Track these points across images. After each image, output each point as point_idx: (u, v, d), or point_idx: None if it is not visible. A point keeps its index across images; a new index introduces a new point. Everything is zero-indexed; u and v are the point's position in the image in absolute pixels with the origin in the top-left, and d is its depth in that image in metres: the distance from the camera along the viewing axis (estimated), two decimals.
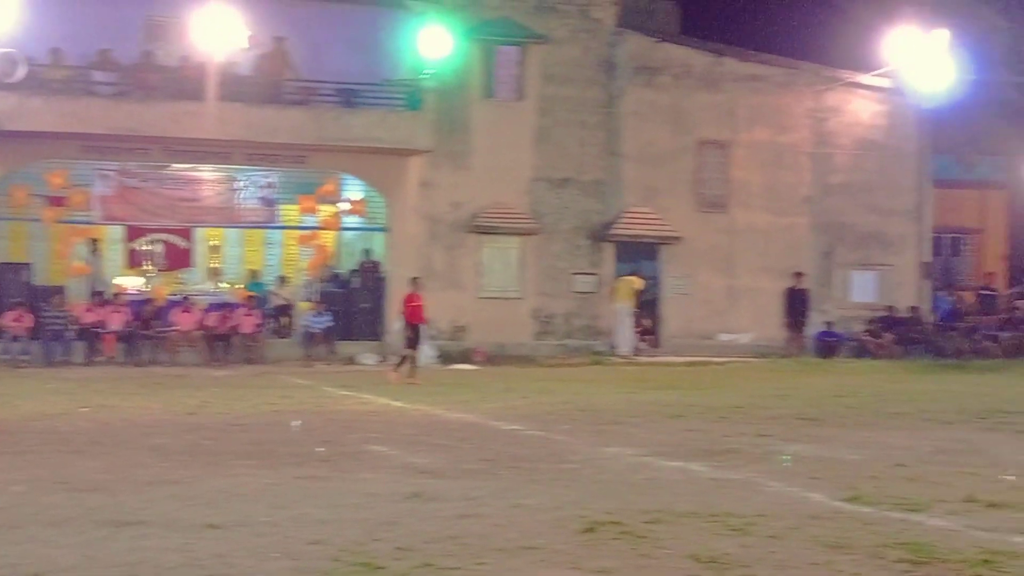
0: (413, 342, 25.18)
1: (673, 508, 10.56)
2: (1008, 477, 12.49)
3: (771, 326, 34.23)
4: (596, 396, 21.74)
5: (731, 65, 34.69)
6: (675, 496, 11.28)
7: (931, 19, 34.70)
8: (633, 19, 34.79)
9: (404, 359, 24.98)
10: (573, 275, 33.23)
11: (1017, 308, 36.80)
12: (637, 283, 32.54)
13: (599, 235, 33.33)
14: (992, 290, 37.73)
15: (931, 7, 35.49)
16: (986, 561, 8.74)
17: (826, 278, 35.17)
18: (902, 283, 35.79)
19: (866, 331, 34.37)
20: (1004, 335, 35.16)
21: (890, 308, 34.93)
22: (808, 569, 8.60)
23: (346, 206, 33.18)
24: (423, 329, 25.98)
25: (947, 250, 40.42)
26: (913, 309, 35.16)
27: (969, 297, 38.19)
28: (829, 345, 33.72)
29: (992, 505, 11.00)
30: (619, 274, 33.16)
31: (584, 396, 21.68)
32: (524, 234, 32.91)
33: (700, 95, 34.30)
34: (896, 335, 34.35)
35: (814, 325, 34.28)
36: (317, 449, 14.31)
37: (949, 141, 37.92)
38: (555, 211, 33.13)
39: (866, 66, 35.00)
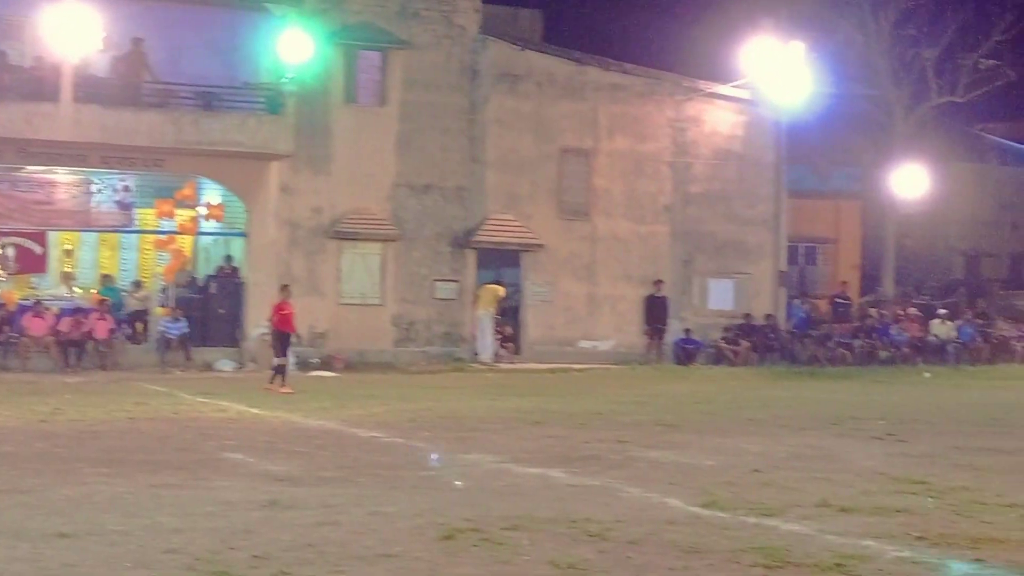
0: (282, 350, 24.93)
1: (532, 515, 10.60)
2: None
3: (631, 333, 34.55)
4: (457, 403, 21.74)
5: (593, 74, 34.93)
6: (534, 503, 11.33)
7: (788, 32, 35.40)
8: (496, 26, 34.87)
9: (278, 368, 24.64)
10: (435, 282, 33.16)
11: (869, 316, 37.64)
12: (500, 291, 32.63)
13: (461, 242, 33.33)
14: (846, 298, 38.54)
15: (788, 20, 36.17)
16: (838, 565, 8.92)
17: (685, 286, 35.60)
18: (759, 291, 36.37)
19: (723, 338, 34.86)
20: (857, 342, 35.94)
21: (747, 316, 35.48)
22: (665, 574, 8.69)
23: (204, 211, 32.74)
24: (292, 337, 25.71)
25: (803, 259, 41.24)
26: (769, 317, 35.76)
27: (823, 305, 38.97)
28: (687, 352, 34.15)
29: (844, 510, 11.23)
30: (481, 281, 33.20)
31: (445, 403, 21.67)
32: (385, 240, 32.77)
33: (563, 103, 34.49)
34: (752, 342, 34.91)
35: (673, 332, 34.67)
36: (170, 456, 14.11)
37: (805, 152, 38.71)
38: (417, 217, 33.05)
39: (725, 77, 35.53)
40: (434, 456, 14.61)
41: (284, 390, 23.66)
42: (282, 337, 25.02)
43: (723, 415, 20.34)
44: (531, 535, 9.78)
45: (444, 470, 13.69)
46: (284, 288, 26.37)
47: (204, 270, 33.29)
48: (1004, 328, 39.62)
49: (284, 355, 24.94)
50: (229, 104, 30.86)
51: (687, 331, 34.68)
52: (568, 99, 34.50)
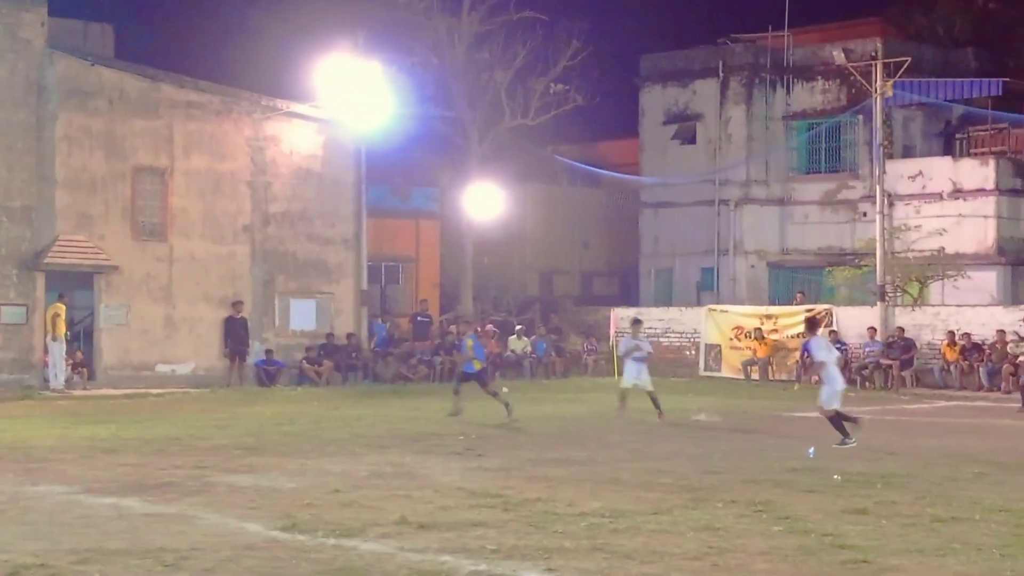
0: None
1: (104, 547, 10.26)
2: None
3: (211, 356, 34.01)
4: (26, 432, 20.77)
5: (168, 90, 34.20)
6: (106, 534, 10.97)
7: (366, 53, 35.81)
8: (65, 40, 33.65)
9: None
10: (1, 306, 31.63)
11: (450, 333, 38.46)
12: (59, 308, 31.17)
13: (29, 264, 31.93)
14: (426, 316, 39.26)
15: (366, 41, 36.60)
16: None
17: (266, 306, 35.36)
18: (341, 311, 36.57)
19: (306, 359, 34.84)
20: (437, 359, 36.66)
21: (329, 335, 35.60)
22: None
23: None
24: None
25: (385, 278, 41.74)
26: (351, 336, 36.00)
27: (405, 324, 39.59)
28: (269, 373, 33.93)
29: (423, 526, 11.41)
30: (50, 304, 31.87)
31: (12, 433, 20.65)
32: None
33: (136, 120, 33.58)
34: (335, 362, 35.07)
35: (254, 353, 34.38)
36: None
37: (385, 172, 39.27)
38: None
39: (305, 97, 35.55)
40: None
41: None
42: None
43: (305, 436, 20.29)
44: (102, 568, 9.46)
45: (10, 503, 13.03)
46: None
47: None
48: (576, 342, 41.42)
49: None
50: None
51: (268, 352, 34.47)
52: (142, 116, 33.65)
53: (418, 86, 40.14)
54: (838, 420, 19.05)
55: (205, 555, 9.98)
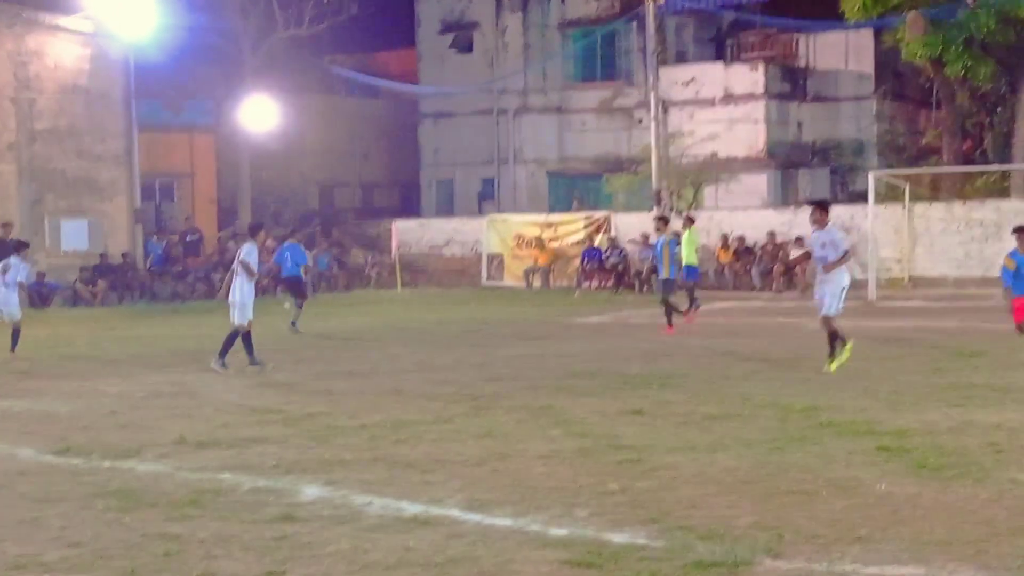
0: None
1: None
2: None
3: None
4: None
5: None
6: None
7: None
8: None
9: None
10: None
11: (227, 250, 37.93)
12: None
13: None
14: (195, 232, 38.56)
15: None
16: (193, 501, 8.98)
17: (37, 227, 34.31)
18: (115, 230, 35.72)
19: (79, 279, 33.99)
20: (216, 276, 36.12)
21: (102, 255, 34.76)
22: (15, 528, 8.40)
23: None
24: None
25: (159, 195, 40.84)
26: (126, 255, 35.23)
27: (180, 241, 38.86)
28: (43, 296, 33.00)
29: (202, 445, 11.32)
30: None
31: None
32: None
33: None
34: (110, 282, 34.31)
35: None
36: None
37: (157, 85, 38.25)
38: None
39: (69, 8, 34.35)
40: None
41: None
42: None
43: (81, 358, 19.87)
44: None
45: None
46: None
47: None
48: (358, 255, 41.32)
49: None
50: None
51: (41, 274, 33.49)
52: None
53: None
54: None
55: None
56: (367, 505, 8.82)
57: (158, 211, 40.69)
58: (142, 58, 35.85)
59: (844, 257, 15.93)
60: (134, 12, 33.71)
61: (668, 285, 22.79)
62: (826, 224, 16.07)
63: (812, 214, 16.21)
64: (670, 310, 22.33)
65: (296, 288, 24.85)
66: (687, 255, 25.20)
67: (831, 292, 15.97)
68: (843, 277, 16.07)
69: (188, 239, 38.27)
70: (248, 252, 17.93)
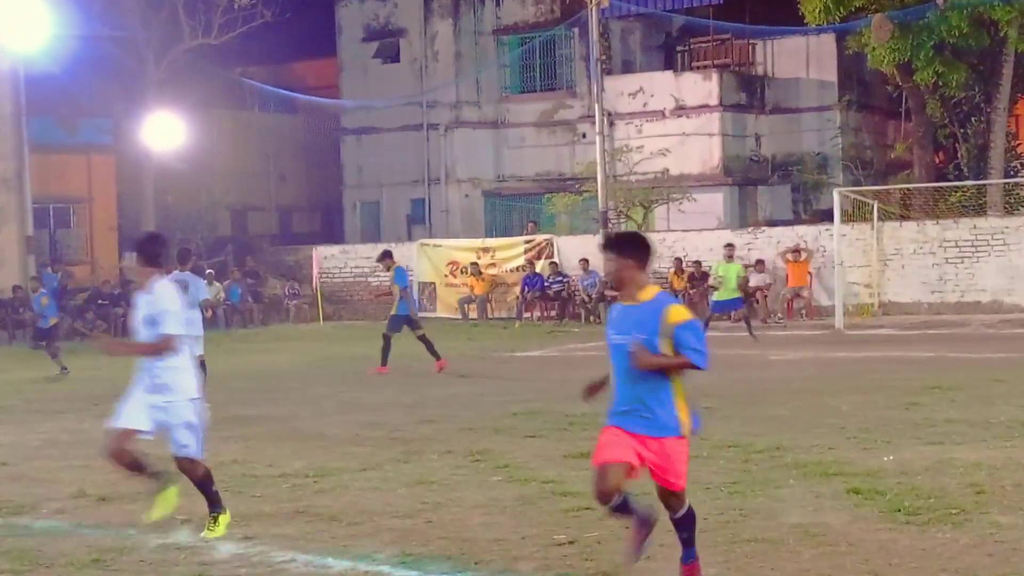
0: None
1: None
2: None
3: None
4: None
5: None
6: None
7: None
8: None
9: None
10: None
11: (131, 282, 37.68)
12: None
13: None
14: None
15: None
16: (95, 560, 8.91)
17: None
18: (4, 261, 35.43)
19: None
20: (118, 311, 35.82)
21: None
22: None
23: None
24: None
25: (54, 222, 40.52)
26: (16, 289, 34.90)
27: (79, 272, 38.51)
28: None
29: (103, 499, 11.24)
30: None
31: None
32: None
33: None
34: (1, 319, 33.99)
35: None
36: None
37: (49, 102, 38.00)
38: None
39: None
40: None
41: None
42: None
43: None
44: None
45: None
46: None
47: None
48: (275, 286, 41.14)
49: None
50: None
51: None
52: None
53: (83, 2, 38.89)
54: None
55: None
56: (288, 562, 8.78)
57: (53, 239, 40.36)
58: (33, 72, 35.60)
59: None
60: (24, 21, 33.47)
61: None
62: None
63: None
64: None
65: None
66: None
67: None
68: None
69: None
70: None
